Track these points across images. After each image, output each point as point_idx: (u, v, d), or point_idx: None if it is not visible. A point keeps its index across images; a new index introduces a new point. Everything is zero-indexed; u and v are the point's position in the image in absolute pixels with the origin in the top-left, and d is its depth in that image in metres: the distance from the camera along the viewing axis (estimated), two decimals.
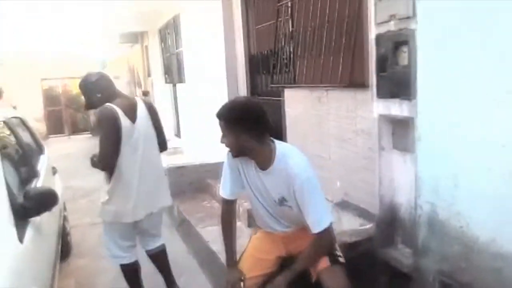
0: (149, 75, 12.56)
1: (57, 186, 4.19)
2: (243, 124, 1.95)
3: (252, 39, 5.13)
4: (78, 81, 3.08)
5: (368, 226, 2.98)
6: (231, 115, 1.97)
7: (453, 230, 2.20)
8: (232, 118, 1.96)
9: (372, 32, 2.67)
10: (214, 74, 6.01)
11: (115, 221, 2.93)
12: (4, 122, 3.42)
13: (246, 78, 5.36)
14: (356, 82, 3.10)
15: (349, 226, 3.15)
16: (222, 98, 5.03)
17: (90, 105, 2.96)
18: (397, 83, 2.48)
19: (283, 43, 4.09)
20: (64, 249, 4.09)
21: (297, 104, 3.99)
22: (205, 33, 6.35)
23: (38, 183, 3.21)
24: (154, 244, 3.23)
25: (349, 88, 3.22)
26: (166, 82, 10.27)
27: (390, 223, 2.74)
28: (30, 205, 2.32)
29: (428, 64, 2.26)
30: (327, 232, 2.07)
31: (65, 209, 4.59)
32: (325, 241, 2.12)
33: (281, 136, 4.34)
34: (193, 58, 7.29)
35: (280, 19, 4.08)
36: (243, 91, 5.41)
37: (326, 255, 2.18)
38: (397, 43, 2.48)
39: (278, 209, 2.16)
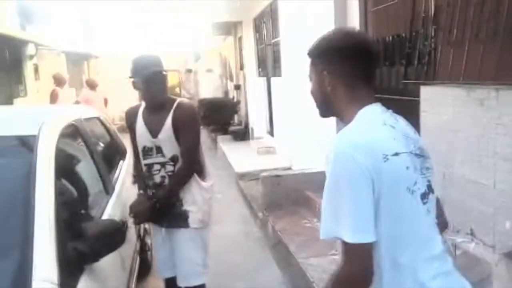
0: (241, 68, 11.95)
1: None
2: (329, 55, 1.28)
3: (371, 23, 4.10)
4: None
5: None
6: (318, 45, 1.32)
7: None
8: (317, 49, 1.32)
9: None
10: None
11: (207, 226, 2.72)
12: (73, 125, 2.69)
13: None
14: None
15: None
16: None
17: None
18: None
19: (422, 24, 3.04)
20: (141, 268, 3.42)
21: (441, 107, 2.91)
22: (308, 20, 5.43)
23: (109, 205, 2.57)
24: None
25: None
26: (259, 75, 9.54)
27: None
28: (86, 250, 1.70)
29: None
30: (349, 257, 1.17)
31: None
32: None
33: None
34: (292, 49, 6.42)
35: None
36: None
37: None
38: None
39: None
